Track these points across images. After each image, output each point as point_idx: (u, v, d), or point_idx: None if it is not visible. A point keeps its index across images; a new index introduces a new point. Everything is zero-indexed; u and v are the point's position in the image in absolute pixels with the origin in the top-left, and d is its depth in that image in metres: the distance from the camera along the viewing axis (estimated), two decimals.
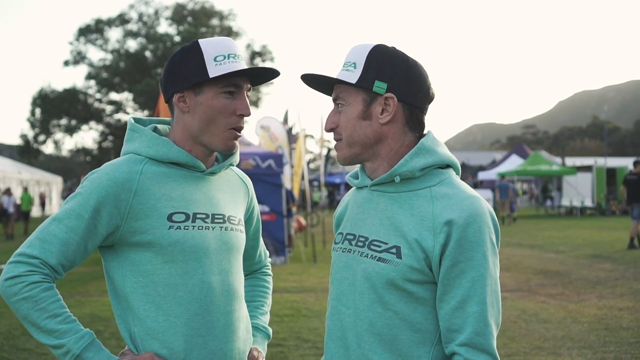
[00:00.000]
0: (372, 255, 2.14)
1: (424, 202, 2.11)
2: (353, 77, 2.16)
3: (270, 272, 2.90)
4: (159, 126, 2.50)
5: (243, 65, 2.32)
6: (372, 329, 2.11)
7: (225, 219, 2.41)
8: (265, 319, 2.72)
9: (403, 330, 2.09)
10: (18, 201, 29.36)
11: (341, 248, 2.29)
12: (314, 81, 2.27)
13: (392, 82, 2.16)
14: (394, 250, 2.09)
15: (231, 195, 2.50)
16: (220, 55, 2.29)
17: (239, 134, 2.36)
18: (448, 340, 2.04)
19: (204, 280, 2.30)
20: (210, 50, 2.30)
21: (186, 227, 2.28)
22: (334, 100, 2.23)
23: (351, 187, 2.43)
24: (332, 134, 2.28)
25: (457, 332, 2.02)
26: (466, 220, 2.02)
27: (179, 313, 2.26)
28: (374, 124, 2.18)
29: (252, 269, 2.82)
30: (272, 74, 2.41)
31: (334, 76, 2.19)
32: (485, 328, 2.01)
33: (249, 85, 2.40)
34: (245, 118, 2.38)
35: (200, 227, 2.31)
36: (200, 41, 2.35)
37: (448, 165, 2.22)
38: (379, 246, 2.13)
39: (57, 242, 2.17)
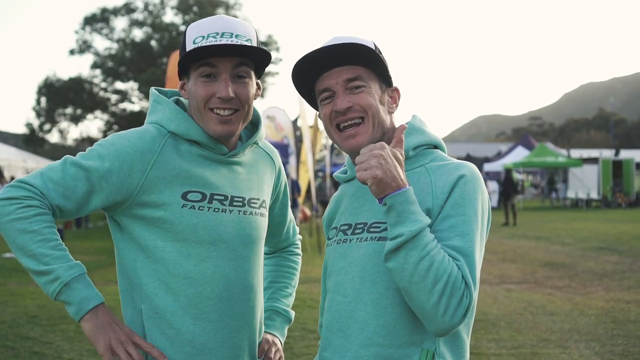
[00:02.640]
0: (372, 237, 2.12)
1: (421, 177, 2.13)
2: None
3: (298, 250, 2.79)
4: (182, 99, 2.38)
5: (222, 42, 2.16)
6: (375, 311, 2.07)
7: (245, 202, 2.31)
8: (287, 302, 2.64)
9: (407, 308, 2.03)
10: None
11: (335, 241, 2.26)
12: (328, 59, 2.13)
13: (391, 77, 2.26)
14: None
15: (256, 175, 2.39)
16: (199, 37, 2.18)
17: (222, 117, 2.20)
18: None
19: (218, 264, 2.21)
20: (192, 34, 2.20)
21: (201, 208, 2.19)
22: (351, 80, 2.14)
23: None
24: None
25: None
26: (463, 179, 2.05)
27: (190, 295, 2.18)
28: (386, 111, 2.22)
29: (278, 247, 2.73)
30: (255, 51, 2.21)
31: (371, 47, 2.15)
32: (472, 262, 1.97)
33: (243, 66, 2.21)
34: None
35: (217, 210, 2.22)
36: (192, 24, 2.24)
37: (435, 147, 2.26)
38: (379, 227, 2.12)
39: (61, 184, 2.08)
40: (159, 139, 2.19)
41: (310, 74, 2.19)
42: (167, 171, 2.17)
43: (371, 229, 2.13)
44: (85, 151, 2.18)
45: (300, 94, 2.30)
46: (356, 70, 2.14)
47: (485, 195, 2.12)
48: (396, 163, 1.96)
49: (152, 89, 2.37)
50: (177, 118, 2.24)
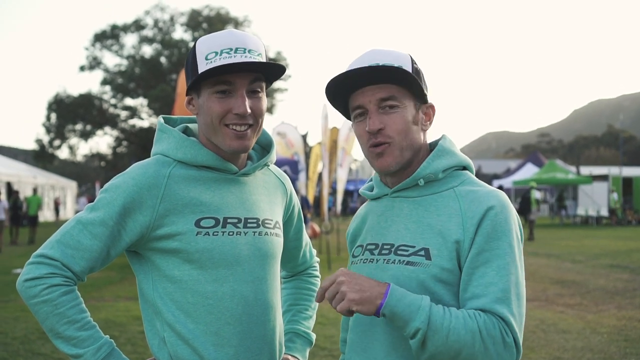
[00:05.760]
0: (399, 260, 2.09)
1: (450, 202, 2.10)
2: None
3: (317, 272, 2.76)
4: (190, 125, 2.38)
5: (238, 59, 2.13)
6: (404, 336, 2.03)
7: (260, 223, 2.29)
8: (308, 324, 2.62)
9: None
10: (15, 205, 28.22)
11: (362, 260, 2.23)
12: (363, 77, 2.09)
13: (427, 93, 2.21)
14: (422, 253, 2.06)
15: (267, 196, 2.38)
16: (212, 53, 2.14)
17: (239, 132, 2.18)
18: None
19: (235, 288, 2.20)
20: (203, 49, 2.16)
21: (215, 233, 2.18)
22: (384, 99, 2.10)
23: (363, 199, 2.38)
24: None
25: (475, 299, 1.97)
26: (492, 211, 2.02)
27: (209, 322, 2.17)
28: (420, 130, 2.19)
29: (296, 271, 2.71)
30: (272, 67, 2.19)
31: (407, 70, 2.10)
32: (507, 295, 1.95)
33: (257, 81, 2.20)
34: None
35: (231, 233, 2.21)
36: (200, 39, 2.21)
37: (464, 168, 2.24)
38: (406, 250, 2.09)
39: (79, 248, 2.10)
40: (163, 171, 2.19)
41: (345, 88, 2.16)
42: (177, 202, 2.17)
43: (398, 252, 2.11)
44: (92, 202, 2.20)
45: (335, 107, 2.27)
46: (390, 89, 2.10)
47: (517, 222, 2.10)
48: (365, 277, 1.96)
49: (160, 118, 2.36)
50: (184, 146, 2.23)
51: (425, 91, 2.18)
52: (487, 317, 1.91)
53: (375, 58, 2.12)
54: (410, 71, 2.11)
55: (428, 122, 2.22)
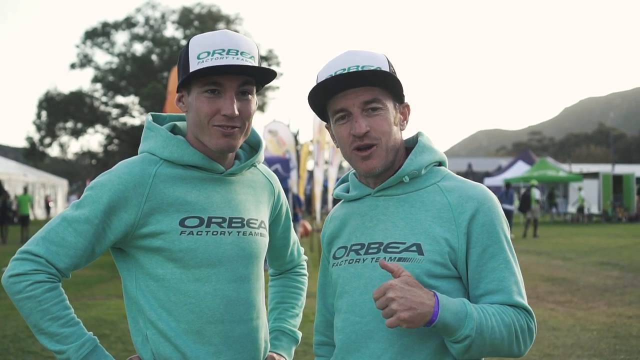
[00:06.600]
0: (390, 258, 2.09)
1: (436, 197, 2.13)
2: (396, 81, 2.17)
3: (304, 271, 2.78)
4: (179, 124, 2.39)
5: (229, 61, 2.13)
6: (399, 331, 2.06)
7: (245, 222, 2.30)
8: (294, 322, 2.62)
9: (429, 329, 2.02)
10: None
11: (347, 260, 2.22)
12: (345, 80, 2.08)
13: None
14: (413, 248, 2.07)
15: (254, 196, 2.38)
16: (204, 52, 2.14)
17: (227, 131, 2.17)
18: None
19: (218, 288, 2.21)
20: (195, 48, 2.17)
21: (199, 233, 2.19)
22: (368, 102, 2.10)
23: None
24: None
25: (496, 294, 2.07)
26: (484, 205, 2.09)
27: (191, 320, 2.18)
28: (399, 130, 2.21)
29: (283, 269, 2.72)
30: (263, 71, 2.20)
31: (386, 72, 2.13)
32: (520, 287, 2.09)
33: (247, 84, 2.20)
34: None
35: (215, 233, 2.22)
36: (194, 38, 2.22)
37: (439, 164, 2.27)
38: (397, 247, 2.09)
39: (64, 245, 2.11)
40: (149, 169, 2.19)
41: (325, 91, 2.15)
42: (162, 201, 2.17)
43: (389, 249, 2.11)
44: (79, 198, 2.20)
45: (312, 109, 2.26)
46: (373, 91, 2.11)
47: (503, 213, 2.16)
48: (413, 288, 1.91)
49: (148, 115, 2.36)
50: (171, 144, 2.22)
51: (402, 92, 2.20)
52: (513, 310, 2.02)
53: (353, 60, 2.12)
54: (389, 71, 2.13)
55: (405, 122, 2.24)
